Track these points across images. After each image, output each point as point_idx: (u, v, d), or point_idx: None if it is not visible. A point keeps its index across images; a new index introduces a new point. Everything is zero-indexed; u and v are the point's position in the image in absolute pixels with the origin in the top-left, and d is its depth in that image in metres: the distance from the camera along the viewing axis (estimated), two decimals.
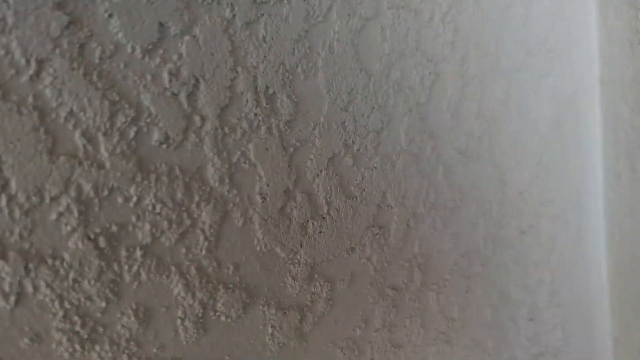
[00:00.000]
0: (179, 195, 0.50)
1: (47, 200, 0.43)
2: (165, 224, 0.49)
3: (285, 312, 0.59)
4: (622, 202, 1.09)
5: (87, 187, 0.45)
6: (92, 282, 0.45)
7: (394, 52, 0.68)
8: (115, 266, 0.47)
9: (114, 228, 0.46)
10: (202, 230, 0.52)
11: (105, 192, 0.46)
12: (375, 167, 0.67)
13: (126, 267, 0.47)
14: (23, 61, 0.41)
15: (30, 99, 0.42)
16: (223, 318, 0.54)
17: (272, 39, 0.56)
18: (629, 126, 1.03)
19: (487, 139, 0.82)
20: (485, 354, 0.85)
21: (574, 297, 1.01)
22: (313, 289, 0.62)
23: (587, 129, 1.03)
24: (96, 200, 0.45)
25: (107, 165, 0.46)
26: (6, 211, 0.41)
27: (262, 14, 0.55)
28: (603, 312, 1.08)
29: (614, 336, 1.12)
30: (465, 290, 0.80)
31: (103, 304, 0.46)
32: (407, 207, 0.71)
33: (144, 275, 0.48)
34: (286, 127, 0.58)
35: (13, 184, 0.41)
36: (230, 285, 0.54)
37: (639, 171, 1.05)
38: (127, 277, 0.47)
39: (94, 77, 0.45)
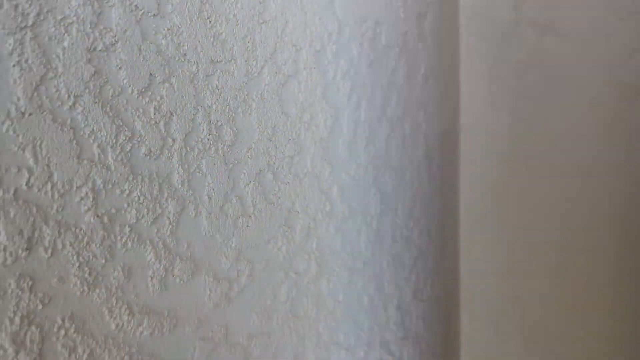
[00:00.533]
0: (155, 192, 0.73)
1: (74, 188, 0.64)
2: (145, 210, 0.72)
3: (219, 281, 0.82)
4: (474, 223, 1.39)
5: (99, 182, 0.67)
6: (98, 245, 0.67)
7: (306, 100, 0.94)
8: (112, 237, 0.69)
9: (113, 210, 0.69)
10: (168, 218, 0.75)
11: (109, 186, 0.68)
12: (288, 183, 0.92)
13: (119, 238, 0.69)
14: (66, 96, 0.63)
15: (68, 121, 0.64)
16: (178, 280, 0.77)
17: (223, 87, 0.80)
18: (481, 168, 1.35)
19: (372, 168, 1.10)
20: (362, 332, 1.12)
21: (433, 295, 1.30)
22: (239, 267, 0.85)
23: (450, 167, 1.34)
24: (103, 191, 0.67)
25: (112, 168, 0.68)
26: (49, 194, 0.62)
27: (217, 70, 0.80)
28: (455, 308, 1.38)
29: (464, 330, 1.42)
30: (349, 280, 1.07)
31: (103, 261, 0.68)
32: (309, 214, 0.97)
33: (129, 245, 0.70)
34: (228, 150, 0.82)
35: (55, 176, 0.63)
36: (184, 258, 0.77)
37: (486, 202, 1.37)
38: (119, 245, 0.69)
39: (107, 109, 0.67)
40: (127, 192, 0.70)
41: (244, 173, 0.85)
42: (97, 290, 0.68)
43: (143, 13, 0.70)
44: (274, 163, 0.89)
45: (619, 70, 1.12)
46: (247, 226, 0.86)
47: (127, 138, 0.69)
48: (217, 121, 0.80)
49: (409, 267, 1.22)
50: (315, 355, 0.99)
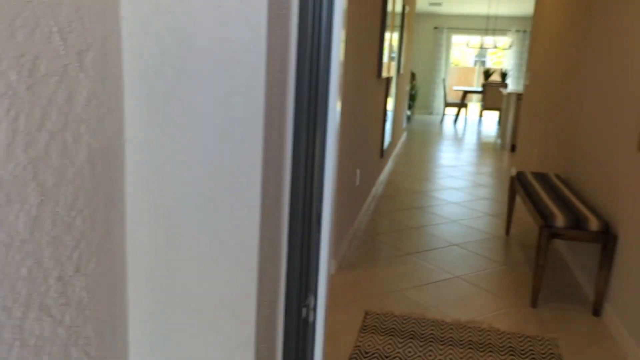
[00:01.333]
0: None
1: None
2: None
3: None
4: (139, 214, 1.77)
5: None
6: None
7: None
8: None
9: None
10: None
11: None
12: None
13: None
14: None
15: None
16: None
17: None
18: (143, 171, 1.73)
19: (31, 168, 1.41)
20: (20, 296, 1.42)
21: (98, 270, 1.65)
22: None
23: (117, 169, 1.70)
24: None
25: None
26: None
27: None
28: (122, 281, 1.75)
29: (131, 299, 1.79)
30: (6, 254, 1.37)
31: None
32: None
33: None
34: None
35: None
36: None
37: (148, 198, 1.75)
38: None
39: None
40: None
41: None
42: None
43: None
44: None
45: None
46: None
47: None
48: None
49: (71, 247, 1.56)
50: None
